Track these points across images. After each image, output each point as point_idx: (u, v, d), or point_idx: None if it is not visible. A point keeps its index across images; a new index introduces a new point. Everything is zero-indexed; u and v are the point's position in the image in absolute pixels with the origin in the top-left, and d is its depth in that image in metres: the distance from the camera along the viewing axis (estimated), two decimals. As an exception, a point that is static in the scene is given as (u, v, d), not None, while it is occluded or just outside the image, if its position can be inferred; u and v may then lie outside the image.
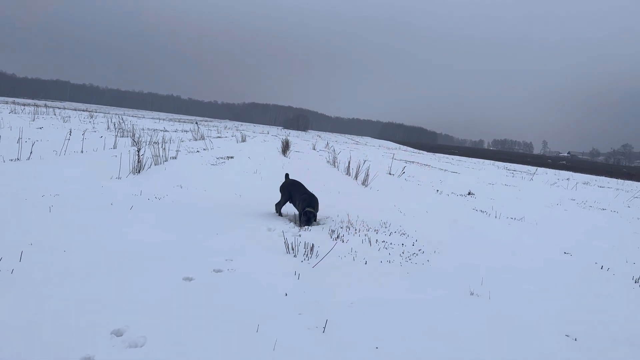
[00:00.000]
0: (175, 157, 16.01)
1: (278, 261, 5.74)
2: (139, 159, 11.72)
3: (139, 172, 11.60)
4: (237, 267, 5.32)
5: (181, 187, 10.33)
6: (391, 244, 7.26)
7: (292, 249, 6.19)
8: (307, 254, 6.07)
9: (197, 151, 20.21)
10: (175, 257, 5.47)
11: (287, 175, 9.42)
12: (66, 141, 14.59)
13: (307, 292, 4.77)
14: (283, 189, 8.91)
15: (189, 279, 4.81)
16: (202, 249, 5.93)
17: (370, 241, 7.20)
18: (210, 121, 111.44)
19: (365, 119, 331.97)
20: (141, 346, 3.43)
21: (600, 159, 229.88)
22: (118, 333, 3.56)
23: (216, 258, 5.59)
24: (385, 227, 8.46)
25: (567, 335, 4.44)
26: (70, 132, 15.78)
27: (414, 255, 6.73)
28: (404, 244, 7.33)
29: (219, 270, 5.17)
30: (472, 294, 5.28)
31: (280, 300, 4.52)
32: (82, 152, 14.32)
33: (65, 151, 13.45)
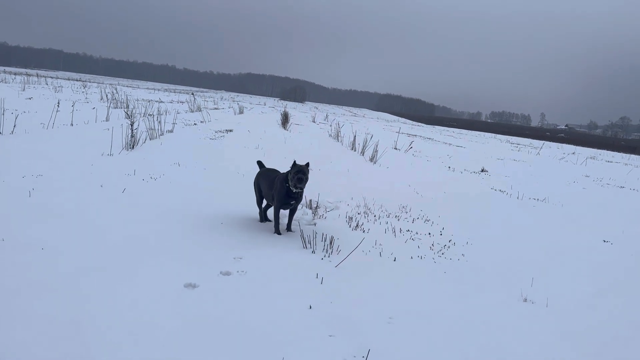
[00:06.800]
0: (171, 131, 15.07)
1: (295, 259, 4.92)
2: (132, 133, 10.79)
3: (133, 147, 10.70)
4: (248, 269, 4.50)
5: (179, 165, 9.46)
6: (417, 233, 6.46)
7: (309, 244, 5.37)
8: (326, 250, 5.26)
9: (195, 124, 19.23)
10: (174, 254, 4.65)
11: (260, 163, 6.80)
12: (55, 113, 13.62)
13: (334, 303, 3.96)
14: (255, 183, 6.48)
15: (192, 286, 3.99)
16: (205, 243, 5.10)
17: (394, 230, 6.39)
18: (206, 92, 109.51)
19: (363, 90, 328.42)
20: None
21: (598, 131, 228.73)
22: (103, 371, 2.76)
23: (223, 255, 4.77)
24: (406, 212, 7.65)
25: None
26: (59, 103, 14.76)
27: (446, 247, 5.94)
28: (431, 234, 6.52)
29: (227, 273, 4.35)
30: (525, 300, 4.50)
31: (305, 315, 3.71)
32: (71, 125, 13.37)
33: (53, 124, 12.51)
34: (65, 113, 14.77)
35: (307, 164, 5.81)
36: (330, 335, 3.41)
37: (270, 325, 3.47)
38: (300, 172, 5.60)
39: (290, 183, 5.63)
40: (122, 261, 4.32)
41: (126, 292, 3.73)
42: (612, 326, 4.17)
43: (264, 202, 6.34)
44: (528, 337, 3.76)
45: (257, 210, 6.43)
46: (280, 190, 5.71)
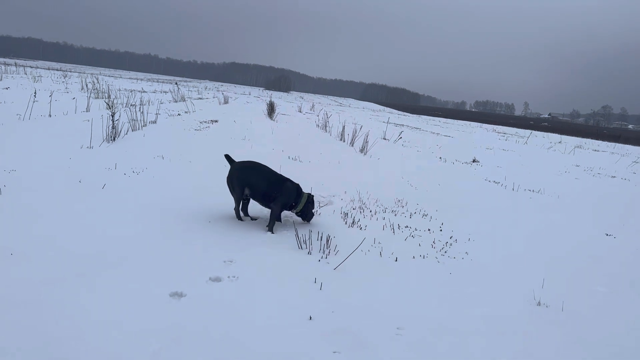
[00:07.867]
0: (154, 122, 14.53)
1: (290, 261, 4.56)
2: (113, 124, 10.29)
3: (114, 139, 10.20)
4: (239, 273, 4.12)
5: (163, 158, 9.01)
6: (416, 229, 6.14)
7: (305, 243, 5.01)
8: (323, 250, 4.90)
9: (179, 114, 18.67)
10: (158, 258, 4.25)
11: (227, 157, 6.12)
12: (32, 103, 13.02)
13: (336, 312, 3.61)
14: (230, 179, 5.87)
15: (179, 295, 3.61)
16: (192, 244, 4.71)
17: (392, 227, 6.05)
18: (190, 81, 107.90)
19: (348, 80, 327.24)
20: None
21: (580, 120, 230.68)
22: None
23: (212, 258, 4.39)
24: (403, 207, 7.32)
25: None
26: (35, 92, 14.13)
27: (448, 245, 5.62)
28: (431, 230, 6.20)
29: (218, 279, 3.97)
30: (539, 303, 4.19)
31: (305, 327, 3.35)
32: (50, 116, 12.78)
33: (30, 115, 11.93)
34: (43, 103, 14.14)
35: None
36: (334, 352, 3.06)
37: (267, 341, 3.10)
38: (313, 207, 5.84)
39: (304, 213, 5.76)
40: (100, 268, 3.92)
41: (105, 305, 3.33)
42: (634, 330, 3.88)
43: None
44: (550, 348, 3.45)
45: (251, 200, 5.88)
46: (289, 197, 5.60)
